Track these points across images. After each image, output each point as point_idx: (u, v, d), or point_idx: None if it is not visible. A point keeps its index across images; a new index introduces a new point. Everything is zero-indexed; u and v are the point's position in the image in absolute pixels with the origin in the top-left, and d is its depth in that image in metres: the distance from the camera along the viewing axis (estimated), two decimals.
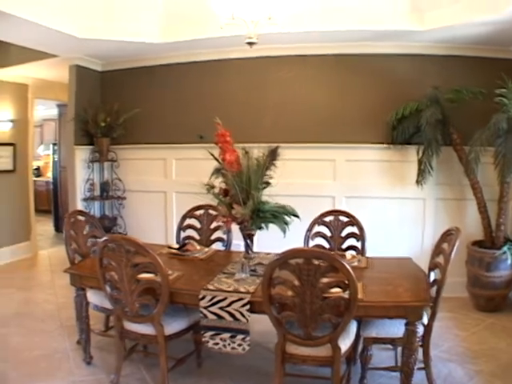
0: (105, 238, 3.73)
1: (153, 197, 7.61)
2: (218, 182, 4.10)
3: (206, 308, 3.56)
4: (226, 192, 4.03)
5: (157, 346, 3.85)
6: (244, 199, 3.89)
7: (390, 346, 4.57)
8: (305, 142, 6.58)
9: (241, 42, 4.60)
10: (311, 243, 5.11)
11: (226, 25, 4.40)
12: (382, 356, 4.61)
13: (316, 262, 3.10)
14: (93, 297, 4.57)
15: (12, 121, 8.66)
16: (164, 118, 7.50)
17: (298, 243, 4.26)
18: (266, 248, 4.88)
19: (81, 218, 5.21)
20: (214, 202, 4.25)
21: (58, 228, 11.59)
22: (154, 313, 3.71)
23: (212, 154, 4.10)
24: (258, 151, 4.07)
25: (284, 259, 3.17)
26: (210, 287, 3.67)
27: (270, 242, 4.45)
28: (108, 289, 3.88)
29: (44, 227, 11.48)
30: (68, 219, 5.07)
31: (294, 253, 3.16)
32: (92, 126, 7.47)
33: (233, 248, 5.35)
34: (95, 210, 7.71)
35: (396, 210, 6.59)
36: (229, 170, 3.91)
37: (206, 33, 6.14)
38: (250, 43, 4.44)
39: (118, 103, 7.48)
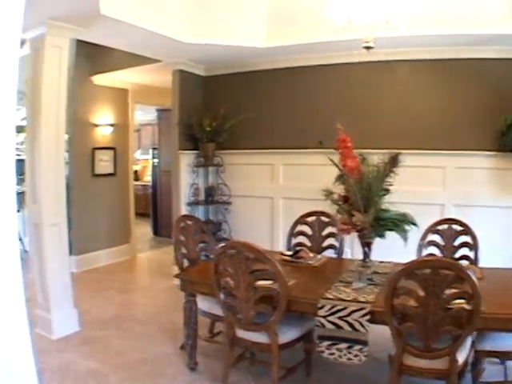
0: (223, 244, 3.73)
1: (259, 202, 7.58)
2: (338, 189, 4.03)
3: (324, 317, 3.50)
4: (345, 199, 3.96)
5: (269, 355, 3.81)
6: (364, 206, 3.83)
7: (496, 360, 4.37)
8: (416, 149, 6.42)
9: (356, 46, 4.54)
10: (424, 252, 4.99)
11: (342, 29, 4.36)
12: (490, 370, 4.44)
13: (443, 273, 3.01)
14: (201, 302, 4.59)
15: (112, 125, 8.88)
16: (271, 123, 7.45)
17: (406, 252, 4.13)
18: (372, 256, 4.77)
19: (189, 222, 5.19)
20: (328, 209, 4.21)
21: (156, 231, 11.86)
22: (270, 321, 3.66)
23: (332, 160, 4.02)
24: (376, 158, 3.99)
25: (411, 269, 3.09)
26: (329, 296, 3.61)
27: (378, 250, 4.35)
28: (222, 296, 3.87)
29: (141, 230, 11.70)
30: (177, 224, 5.09)
31: (421, 263, 3.08)
32: (197, 130, 7.51)
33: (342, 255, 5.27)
34: (199, 214, 7.74)
35: (503, 220, 6.35)
36: (350, 177, 3.85)
37: (316, 37, 6.09)
38: (368, 47, 4.37)
39: (224, 108, 7.50)
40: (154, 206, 12.06)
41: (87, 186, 8.28)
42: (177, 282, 7.01)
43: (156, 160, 12.13)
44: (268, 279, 3.64)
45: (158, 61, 7.41)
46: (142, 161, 15.30)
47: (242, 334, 3.93)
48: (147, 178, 14.83)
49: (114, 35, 5.96)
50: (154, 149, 12.35)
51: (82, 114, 8.16)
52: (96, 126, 8.59)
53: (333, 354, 3.54)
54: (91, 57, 8.15)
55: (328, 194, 3.99)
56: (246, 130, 7.56)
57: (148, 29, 5.61)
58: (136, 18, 5.38)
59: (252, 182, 7.65)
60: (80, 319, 5.69)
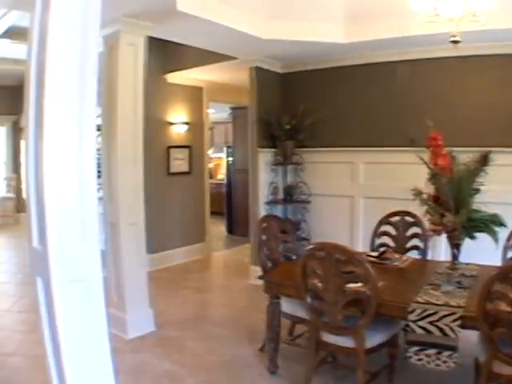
0: (312, 246, 3.68)
1: (338, 201, 7.45)
2: (428, 188, 3.93)
3: (414, 322, 3.41)
4: (435, 199, 3.85)
5: (352, 359, 3.75)
6: (455, 207, 3.71)
7: None
8: (506, 146, 6.18)
9: (440, 40, 4.42)
10: (510, 254, 4.82)
11: (427, 23, 4.25)
12: None
13: None
14: (284, 304, 4.51)
15: (187, 123, 8.96)
16: (350, 121, 7.32)
17: (487, 253, 3.99)
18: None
19: (272, 222, 5.12)
20: (411, 208, 4.11)
21: (230, 230, 11.94)
22: (358, 325, 3.59)
23: (422, 159, 3.93)
24: (466, 156, 3.87)
25: (506, 273, 2.97)
26: (420, 300, 3.51)
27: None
28: (309, 298, 3.80)
29: (215, 229, 11.70)
30: (260, 224, 5.05)
31: None
32: (276, 128, 7.46)
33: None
34: (278, 213, 7.60)
35: None
36: (442, 176, 3.74)
37: (399, 32, 5.91)
38: (455, 42, 4.25)
39: (302, 105, 7.39)
40: (228, 204, 12.14)
41: (162, 185, 8.37)
42: (254, 282, 7.08)
43: (230, 158, 12.20)
44: (356, 282, 3.56)
45: (234, 58, 7.37)
46: (215, 159, 15.42)
47: (327, 337, 3.86)
48: (220, 177, 14.95)
49: (190, 32, 5.94)
50: (229, 147, 12.43)
51: (156, 112, 8.24)
52: (171, 124, 8.68)
53: (421, 359, 3.45)
54: (164, 54, 8.25)
55: (417, 193, 3.89)
56: (325, 128, 7.44)
57: (225, 25, 5.57)
58: (213, 13, 5.34)
59: (331, 180, 7.52)
60: (155, 319, 5.72)
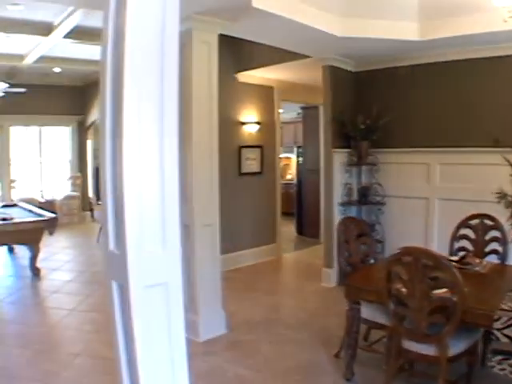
0: (398, 251, 3.59)
1: (413, 203, 7.31)
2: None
3: (499, 330, 3.30)
4: None
5: (432, 367, 3.68)
6: None
7: None
8: None
9: None
10: None
11: (509, 18, 4.10)
12: None
13: None
14: (363, 310, 4.43)
15: (259, 123, 8.95)
16: (426, 121, 7.15)
17: None
18: None
19: (351, 224, 5.04)
20: (491, 211, 3.98)
21: (300, 231, 11.87)
22: (442, 332, 3.47)
23: (508, 160, 3.79)
24: None
25: None
26: (505, 307, 3.38)
27: None
28: (392, 304, 3.72)
29: (285, 229, 11.49)
30: (340, 226, 4.96)
31: None
32: (350, 128, 7.37)
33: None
34: (352, 215, 7.49)
35: None
36: None
37: (478, 28, 5.73)
38: None
39: (376, 105, 7.29)
40: (298, 205, 12.05)
41: (234, 185, 8.37)
42: (326, 284, 7.04)
43: (301, 158, 12.12)
44: (441, 288, 3.46)
45: (307, 56, 7.31)
46: (284, 159, 15.36)
47: (408, 344, 3.76)
48: (289, 177, 14.90)
49: (264, 29, 5.92)
50: (299, 147, 12.34)
51: (227, 111, 8.23)
52: (242, 124, 8.71)
53: (504, 369, 3.33)
54: (235, 53, 8.25)
55: (502, 196, 3.75)
56: (399, 128, 7.31)
57: (300, 22, 5.49)
58: (288, 10, 5.27)
59: (406, 181, 7.38)
60: (227, 322, 5.71)
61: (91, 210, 14.83)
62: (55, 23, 8.77)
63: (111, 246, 2.31)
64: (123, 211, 2.13)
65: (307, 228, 11.57)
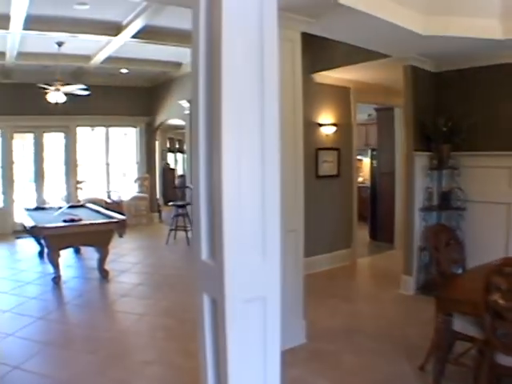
0: (497, 262, 3.40)
1: (495, 208, 6.98)
2: None
3: None
4: None
5: None
6: None
7: None
8: None
9: None
10: None
11: None
12: None
13: None
14: (454, 321, 4.18)
15: (335, 125, 8.75)
16: (510, 123, 6.78)
17: None
18: None
19: (441, 231, 4.83)
20: None
21: (373, 235, 11.58)
22: None
23: None
24: None
25: None
26: None
27: None
28: (488, 317, 3.47)
29: (358, 234, 11.40)
30: (430, 233, 4.78)
31: None
32: (432, 130, 7.10)
33: None
34: (432, 221, 7.30)
35: None
36: None
37: None
38: None
39: (458, 106, 7.03)
40: (372, 208, 11.76)
41: (311, 188, 8.12)
42: (405, 292, 6.87)
43: (375, 161, 11.85)
44: None
45: (386, 56, 7.06)
46: (356, 161, 15.13)
47: (502, 359, 3.53)
48: (359, 179, 14.63)
49: (347, 27, 5.71)
50: (373, 150, 12.08)
51: (304, 113, 7.97)
52: (319, 125, 8.54)
53: None
54: (312, 53, 8.00)
55: None
56: (482, 130, 6.97)
57: (386, 19, 5.26)
58: (373, 7, 5.06)
59: (488, 186, 7.04)
60: (307, 330, 5.50)
61: (159, 212, 14.95)
62: (124, 23, 8.73)
63: (204, 255, 2.14)
64: (221, 218, 1.95)
65: (381, 232, 11.29)
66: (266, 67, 2.02)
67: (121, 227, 8.28)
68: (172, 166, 20.40)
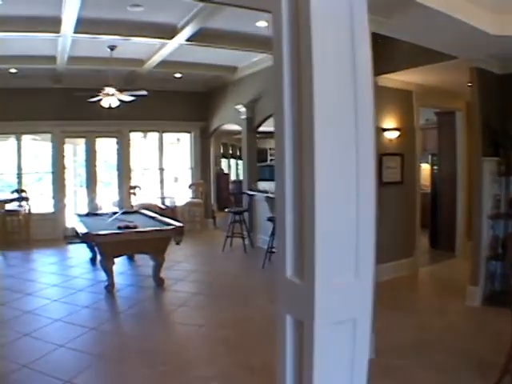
0: None
1: None
2: None
3: None
4: None
5: None
6: None
7: None
8: None
9: None
10: None
11: None
12: None
13: None
14: None
15: (398, 129, 8.54)
16: None
17: None
18: None
19: None
20: None
21: (434, 243, 11.21)
22: None
23: None
24: None
25: None
26: None
27: None
28: None
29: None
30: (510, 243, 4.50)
31: None
32: (500, 135, 6.85)
33: None
34: (500, 229, 7.02)
35: None
36: None
37: None
38: None
39: None
40: (432, 215, 11.40)
41: (376, 195, 7.96)
42: (473, 304, 6.62)
43: (436, 167, 11.54)
44: None
45: (452, 58, 6.76)
46: None
47: None
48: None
49: (416, 26, 5.46)
50: (433, 155, 11.76)
51: None
52: (383, 130, 8.35)
53: None
54: (376, 55, 7.74)
55: None
56: None
57: (457, 18, 4.99)
58: (444, 4, 4.79)
59: None
60: (376, 344, 5.26)
61: (214, 218, 14.88)
62: (179, 25, 8.62)
63: (289, 273, 1.94)
64: (313, 234, 1.77)
65: (441, 240, 10.94)
66: (359, 74, 1.84)
67: (178, 234, 8.10)
68: (225, 172, 20.36)
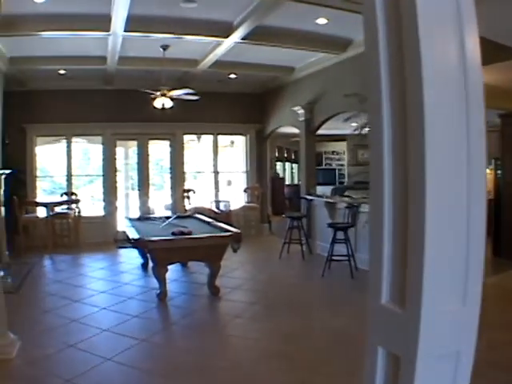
0: None
1: None
2: None
3: None
4: None
5: None
6: None
7: None
8: None
9: None
10: None
11: None
12: None
13: None
14: None
15: None
16: None
17: None
18: None
19: None
20: None
21: (497, 253, 10.78)
22: None
23: None
24: None
25: None
26: None
27: None
28: None
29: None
30: None
31: None
32: None
33: None
34: None
35: None
36: None
37: None
38: None
39: None
40: (496, 222, 10.93)
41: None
42: None
43: (499, 171, 11.13)
44: None
45: None
46: None
47: None
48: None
49: (492, 18, 5.05)
50: (497, 159, 11.30)
51: None
52: None
53: None
54: None
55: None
56: None
57: None
58: None
59: None
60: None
61: (269, 223, 14.59)
62: (234, 23, 8.38)
63: (385, 298, 1.64)
64: (422, 252, 1.49)
65: (506, 248, 10.48)
66: (469, 70, 1.57)
67: (236, 241, 7.75)
68: (281, 176, 20.16)
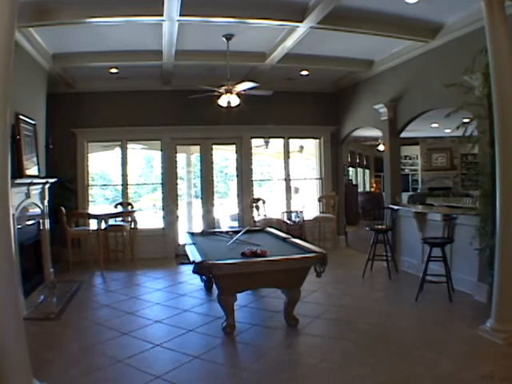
0: None
1: None
2: None
3: None
4: None
5: None
6: None
7: None
8: None
9: None
10: None
11: None
12: None
13: None
14: None
15: None
16: None
17: None
18: None
19: None
20: None
21: None
22: None
23: None
24: None
25: None
26: None
27: None
28: None
29: None
30: None
31: None
32: None
33: None
34: None
35: None
36: None
37: None
38: None
39: None
40: None
41: None
42: None
43: None
44: None
45: None
46: None
47: None
48: None
49: None
50: None
51: None
52: None
53: None
54: None
55: None
56: None
57: None
58: None
59: None
60: None
61: (345, 234, 13.34)
62: (310, 4, 7.02)
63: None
64: None
65: None
66: None
67: (321, 264, 6.18)
68: (354, 183, 18.89)
